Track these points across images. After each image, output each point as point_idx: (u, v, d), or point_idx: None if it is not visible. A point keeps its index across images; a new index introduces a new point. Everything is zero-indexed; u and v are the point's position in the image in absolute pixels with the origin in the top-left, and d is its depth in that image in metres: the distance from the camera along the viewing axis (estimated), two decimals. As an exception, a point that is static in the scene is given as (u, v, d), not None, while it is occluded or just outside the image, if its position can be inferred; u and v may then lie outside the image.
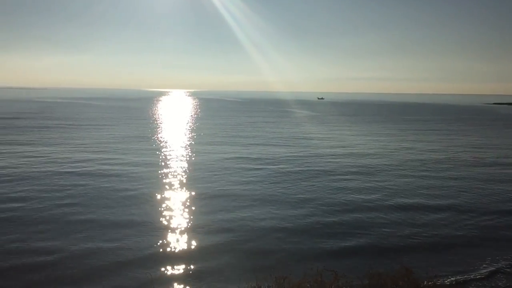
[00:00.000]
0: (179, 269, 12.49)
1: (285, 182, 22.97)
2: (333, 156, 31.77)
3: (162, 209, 17.66)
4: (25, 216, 16.32)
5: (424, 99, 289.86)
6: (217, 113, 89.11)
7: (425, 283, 10.12)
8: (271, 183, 22.56)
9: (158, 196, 19.45)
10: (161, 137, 41.91)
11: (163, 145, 35.80)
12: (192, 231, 15.31)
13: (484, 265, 13.03)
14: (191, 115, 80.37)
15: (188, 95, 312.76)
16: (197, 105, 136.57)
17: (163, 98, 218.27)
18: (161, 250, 13.72)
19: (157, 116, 75.66)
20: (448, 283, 11.91)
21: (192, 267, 12.62)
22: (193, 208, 17.88)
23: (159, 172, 24.69)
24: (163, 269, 12.42)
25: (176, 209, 17.75)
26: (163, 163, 27.37)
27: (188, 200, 18.97)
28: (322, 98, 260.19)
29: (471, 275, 12.46)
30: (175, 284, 11.70)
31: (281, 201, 19.26)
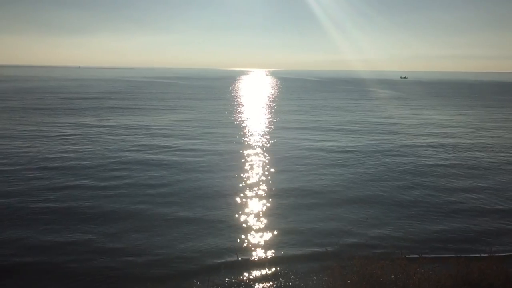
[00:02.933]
0: (262, 268, 11.73)
1: (376, 178, 20.55)
2: (429, 147, 28.11)
3: (241, 206, 16.50)
4: (107, 211, 15.85)
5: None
6: (296, 94, 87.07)
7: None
8: (360, 179, 20.26)
9: (236, 191, 18.23)
10: (240, 121, 40.82)
11: (242, 131, 34.44)
12: (273, 231, 13.94)
13: None
14: (271, 96, 79.20)
15: (268, 75, 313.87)
16: (276, 84, 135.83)
17: (243, 78, 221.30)
18: (242, 250, 12.62)
19: (237, 96, 75.96)
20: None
21: (274, 264, 11.86)
22: (274, 206, 16.50)
23: (237, 162, 23.43)
24: (244, 268, 11.66)
25: (255, 207, 16.45)
26: (241, 151, 26.08)
27: (268, 197, 17.58)
28: (405, 77, 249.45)
29: None
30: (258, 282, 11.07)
31: (373, 201, 17.11)
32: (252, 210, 15.94)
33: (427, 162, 23.77)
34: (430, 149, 27.69)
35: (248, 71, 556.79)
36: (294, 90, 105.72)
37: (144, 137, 30.33)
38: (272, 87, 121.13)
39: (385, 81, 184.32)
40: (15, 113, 43.52)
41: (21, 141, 27.99)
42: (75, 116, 41.89)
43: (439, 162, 23.87)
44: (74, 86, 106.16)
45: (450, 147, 28.30)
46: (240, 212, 15.65)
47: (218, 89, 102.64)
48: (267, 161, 23.45)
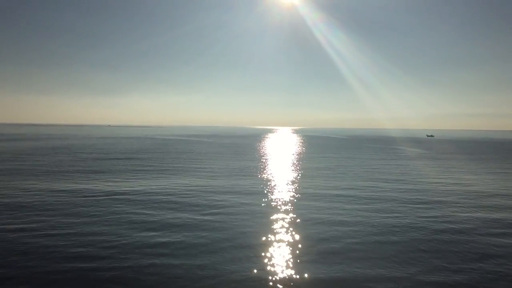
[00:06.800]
0: None
1: (435, 267, 17.77)
2: (487, 223, 24.74)
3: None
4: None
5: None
6: (323, 153, 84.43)
7: None
8: (416, 270, 17.50)
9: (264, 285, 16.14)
10: (267, 187, 38.48)
11: (269, 201, 31.98)
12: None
13: None
14: (297, 155, 76.62)
15: (294, 132, 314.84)
16: (303, 143, 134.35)
17: (270, 136, 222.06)
18: None
19: (263, 156, 73.86)
20: None
21: None
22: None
23: (264, 243, 21.19)
24: None
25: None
26: (269, 228, 23.86)
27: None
28: (431, 136, 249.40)
29: None
30: None
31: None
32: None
33: (492, 241, 20.69)
34: (490, 224, 24.28)
35: (274, 129, 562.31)
36: (321, 148, 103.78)
37: (167, 207, 28.38)
38: (298, 145, 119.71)
39: (413, 140, 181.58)
40: (44, 174, 43.01)
41: (39, 211, 26.61)
42: (100, 180, 40.78)
43: (504, 241, 20.79)
44: (103, 144, 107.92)
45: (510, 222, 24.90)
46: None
47: (244, 148, 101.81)
48: (298, 242, 20.73)
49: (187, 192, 33.77)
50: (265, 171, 50.11)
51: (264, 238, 20.86)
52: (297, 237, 21.23)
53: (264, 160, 65.88)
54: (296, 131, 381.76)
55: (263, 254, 18.53)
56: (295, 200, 31.07)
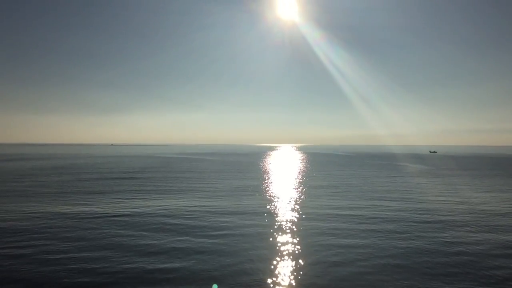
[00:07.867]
0: None
1: None
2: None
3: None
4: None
5: None
6: (326, 170, 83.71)
7: None
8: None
9: None
10: (270, 209, 37.79)
11: (273, 226, 31.14)
12: None
13: None
14: (300, 172, 75.96)
15: (296, 150, 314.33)
16: (305, 160, 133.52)
17: (272, 153, 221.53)
18: None
19: (265, 174, 73.19)
20: None
21: None
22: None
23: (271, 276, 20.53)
24: None
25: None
26: (274, 257, 23.25)
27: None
28: (434, 152, 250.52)
29: None
30: None
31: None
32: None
33: (506, 264, 19.77)
34: (503, 245, 23.32)
35: (276, 146, 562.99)
36: (324, 165, 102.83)
37: (169, 229, 27.69)
38: (301, 162, 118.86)
39: (415, 156, 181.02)
40: (44, 196, 42.39)
41: (37, 235, 25.95)
42: (100, 201, 40.15)
43: None
44: (106, 163, 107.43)
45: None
46: None
47: (247, 166, 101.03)
48: (306, 267, 19.92)
49: (190, 214, 33.05)
50: (269, 190, 49.34)
51: (269, 263, 20.09)
52: (304, 261, 20.40)
53: (267, 179, 65.19)
54: (299, 148, 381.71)
55: (268, 280, 17.78)
56: (301, 221, 30.27)
